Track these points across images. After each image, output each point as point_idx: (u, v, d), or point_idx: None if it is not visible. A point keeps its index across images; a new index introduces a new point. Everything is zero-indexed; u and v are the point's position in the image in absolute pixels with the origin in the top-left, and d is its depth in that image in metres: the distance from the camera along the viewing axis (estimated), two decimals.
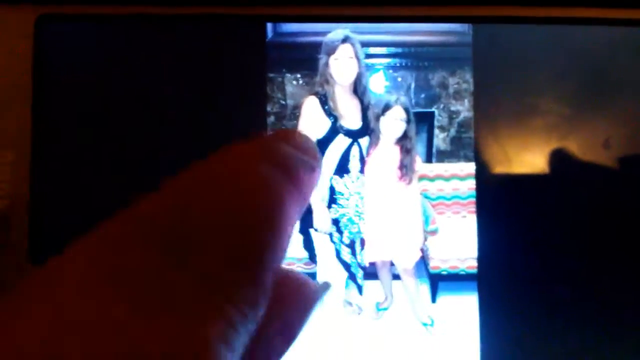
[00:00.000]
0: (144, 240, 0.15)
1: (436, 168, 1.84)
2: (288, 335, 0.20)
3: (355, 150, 1.25)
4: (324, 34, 1.16)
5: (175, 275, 0.14)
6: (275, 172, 0.18)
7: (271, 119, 1.56)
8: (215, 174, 0.18)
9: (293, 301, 0.20)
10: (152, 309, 0.13)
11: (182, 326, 0.13)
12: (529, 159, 0.66)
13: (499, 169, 0.67)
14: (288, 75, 1.60)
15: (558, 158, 0.64)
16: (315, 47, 1.16)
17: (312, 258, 1.31)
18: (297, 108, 1.46)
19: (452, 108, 2.09)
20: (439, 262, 1.56)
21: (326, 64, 1.23)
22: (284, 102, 1.62)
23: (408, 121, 1.28)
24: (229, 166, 0.18)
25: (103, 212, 0.55)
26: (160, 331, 0.13)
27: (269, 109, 1.24)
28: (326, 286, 0.22)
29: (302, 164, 0.19)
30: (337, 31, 1.16)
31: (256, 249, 0.16)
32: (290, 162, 0.19)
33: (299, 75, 1.60)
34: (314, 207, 1.19)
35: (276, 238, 0.17)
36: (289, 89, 1.61)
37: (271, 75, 1.21)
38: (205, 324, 0.14)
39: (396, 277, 1.42)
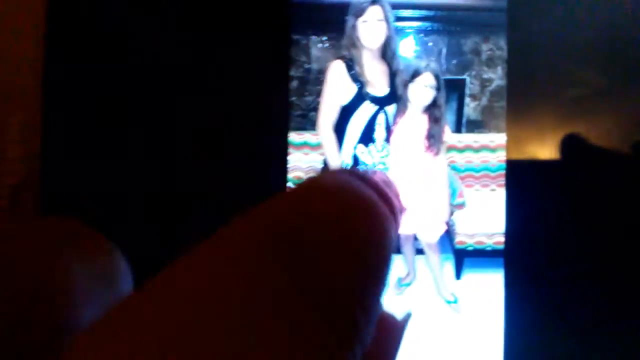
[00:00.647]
0: (270, 259, 0.15)
1: (465, 138, 1.84)
2: None
3: (381, 118, 1.25)
4: None
5: (304, 306, 0.14)
6: (390, 215, 0.19)
7: (294, 83, 1.56)
8: (340, 208, 0.17)
9: (381, 335, 0.21)
10: (280, 338, 0.13)
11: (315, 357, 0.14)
12: (564, 131, 0.65)
13: (532, 140, 0.66)
14: (313, 37, 1.59)
15: (595, 131, 0.63)
16: (343, 9, 1.15)
17: None
18: (321, 72, 1.45)
19: (485, 76, 2.07)
20: (465, 237, 1.56)
21: (354, 27, 1.22)
22: (308, 66, 1.61)
23: (438, 88, 1.27)
24: (355, 205, 0.18)
25: (113, 182, 0.55)
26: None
27: (292, 73, 1.23)
28: (408, 317, 0.23)
29: (400, 206, 0.20)
30: None
31: (377, 287, 0.17)
32: (395, 203, 0.19)
33: (324, 38, 1.59)
34: None
35: (388, 276, 0.17)
36: (313, 52, 1.60)
37: (295, 37, 1.20)
38: (337, 356, 0.14)
39: (420, 252, 1.42)
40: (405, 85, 1.27)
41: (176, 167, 0.62)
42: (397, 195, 0.20)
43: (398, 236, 0.19)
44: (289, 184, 1.78)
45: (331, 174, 0.19)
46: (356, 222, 0.17)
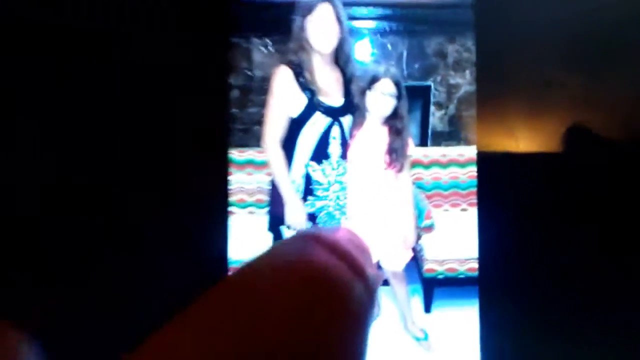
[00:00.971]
0: None
1: (432, 152, 1.86)
2: None
3: (335, 132, 1.24)
4: None
5: None
6: (357, 282, 0.20)
7: (235, 93, 1.55)
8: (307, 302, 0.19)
9: None
10: None
11: None
12: (540, 141, 0.66)
13: (505, 153, 0.66)
14: (255, 40, 1.59)
15: (573, 139, 0.64)
16: (289, 7, 1.15)
17: None
18: (266, 80, 1.44)
19: (452, 81, 2.10)
20: (435, 264, 1.57)
21: (302, 27, 1.21)
22: (250, 73, 1.61)
23: (399, 97, 1.28)
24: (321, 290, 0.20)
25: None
26: None
27: (232, 81, 1.22)
28: None
29: (370, 266, 0.22)
30: None
31: None
32: (362, 266, 0.21)
33: (268, 41, 1.59)
34: (286, 199, 1.19)
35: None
36: (256, 57, 1.60)
37: (235, 40, 1.19)
38: None
39: (384, 282, 1.43)
40: (362, 94, 1.26)
41: (93, 188, 0.61)
42: (364, 254, 0.21)
43: (374, 298, 0.21)
44: (232, 208, 1.74)
45: (287, 245, 0.21)
46: (315, 309, 0.18)
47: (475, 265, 0.87)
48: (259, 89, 1.58)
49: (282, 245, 0.21)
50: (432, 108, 1.98)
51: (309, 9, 1.16)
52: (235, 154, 1.66)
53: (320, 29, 1.18)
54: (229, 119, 0.75)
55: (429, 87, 1.95)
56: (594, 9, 0.62)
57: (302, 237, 0.21)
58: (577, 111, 0.62)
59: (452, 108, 1.97)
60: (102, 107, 0.62)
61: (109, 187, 0.62)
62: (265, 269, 0.20)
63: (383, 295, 1.50)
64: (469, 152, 1.86)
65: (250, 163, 1.73)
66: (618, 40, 0.61)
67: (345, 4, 1.19)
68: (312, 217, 1.24)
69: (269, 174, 1.29)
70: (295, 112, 1.19)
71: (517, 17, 0.64)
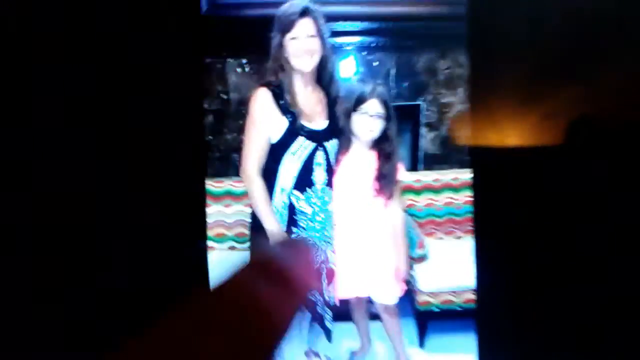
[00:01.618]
0: None
1: (424, 177, 1.87)
2: None
3: (320, 157, 1.24)
4: (277, 4, 1.15)
5: None
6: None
7: (209, 118, 1.54)
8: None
9: None
10: None
11: None
12: (542, 162, 0.67)
13: (503, 175, 0.67)
14: (230, 60, 1.58)
15: (579, 158, 0.65)
16: (266, 23, 1.16)
17: None
18: (243, 104, 1.43)
19: (443, 100, 2.11)
20: (429, 297, 1.58)
21: (280, 45, 1.21)
22: (225, 97, 1.61)
23: (387, 118, 1.28)
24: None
25: None
26: None
27: (206, 105, 1.21)
28: None
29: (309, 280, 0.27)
30: (293, 1, 1.16)
31: None
32: (299, 285, 0.26)
33: (244, 61, 1.58)
34: (269, 232, 1.18)
35: None
36: (232, 78, 1.60)
37: (208, 60, 1.19)
38: None
39: (375, 317, 1.43)
40: (348, 116, 1.26)
41: (69, 224, 0.61)
42: (307, 269, 0.27)
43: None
44: (210, 244, 1.73)
45: (231, 281, 0.25)
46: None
47: (472, 296, 0.87)
48: (236, 114, 1.57)
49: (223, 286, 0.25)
50: (423, 129, 1.99)
51: (288, 25, 1.16)
52: (212, 184, 1.65)
53: (300, 47, 1.18)
54: (204, 147, 0.75)
55: (419, 106, 1.96)
56: (589, 18, 0.63)
57: (245, 272, 0.26)
58: (581, 125, 0.63)
59: (444, 129, 1.98)
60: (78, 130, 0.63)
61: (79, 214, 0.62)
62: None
63: (374, 331, 1.50)
64: (464, 175, 1.87)
65: (228, 194, 1.72)
66: (613, 47, 0.63)
67: (328, 19, 1.19)
68: None
69: (250, 205, 1.29)
70: (276, 137, 1.19)
71: (513, 29, 0.65)
